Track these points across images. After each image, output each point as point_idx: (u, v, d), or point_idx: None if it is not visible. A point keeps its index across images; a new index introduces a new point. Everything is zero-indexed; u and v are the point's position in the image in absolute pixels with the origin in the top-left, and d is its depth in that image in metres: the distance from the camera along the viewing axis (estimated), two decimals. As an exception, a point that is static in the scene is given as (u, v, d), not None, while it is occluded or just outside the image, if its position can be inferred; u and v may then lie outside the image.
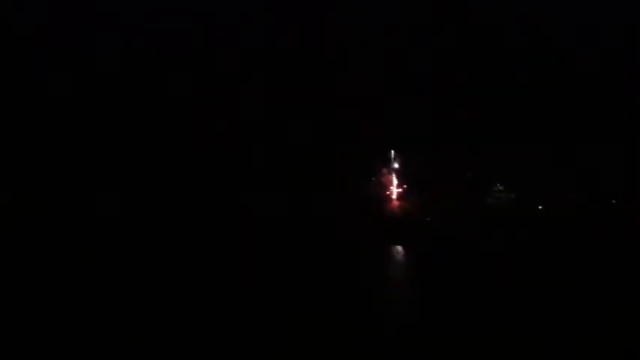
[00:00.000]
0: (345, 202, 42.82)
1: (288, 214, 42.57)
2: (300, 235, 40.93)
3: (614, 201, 40.91)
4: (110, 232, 41.96)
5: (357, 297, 33.15)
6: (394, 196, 45.00)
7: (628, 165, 41.72)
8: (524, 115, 45.01)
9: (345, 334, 28.83)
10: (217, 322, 30.52)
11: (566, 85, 45.94)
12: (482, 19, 48.09)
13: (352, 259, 38.17)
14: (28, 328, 30.33)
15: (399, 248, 41.52)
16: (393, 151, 45.49)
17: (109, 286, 35.27)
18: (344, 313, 30.89)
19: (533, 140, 43.83)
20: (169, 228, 42.72)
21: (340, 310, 31.20)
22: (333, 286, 34.19)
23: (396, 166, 45.38)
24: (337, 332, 28.95)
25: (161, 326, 30.44)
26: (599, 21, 46.82)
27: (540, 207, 41.89)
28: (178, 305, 32.46)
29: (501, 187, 43.60)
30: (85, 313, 31.94)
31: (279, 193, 43.72)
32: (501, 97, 45.82)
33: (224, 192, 45.09)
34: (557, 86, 45.96)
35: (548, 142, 44.01)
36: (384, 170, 45.02)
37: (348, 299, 32.67)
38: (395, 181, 45.14)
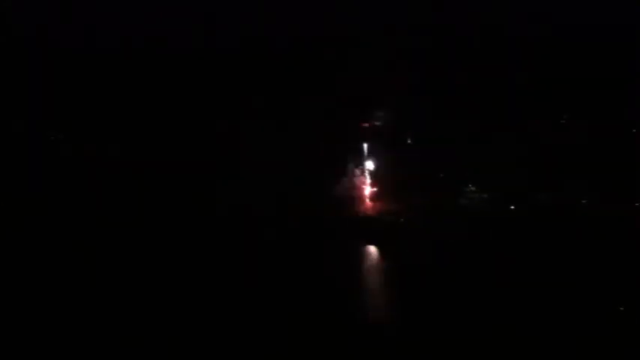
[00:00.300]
0: (319, 201, 42.92)
1: (272, 213, 42.65)
2: (274, 234, 40.88)
3: (584, 201, 41.48)
4: (109, 231, 41.96)
5: (332, 296, 33.35)
6: (367, 197, 45.05)
7: (599, 165, 42.51)
8: (496, 117, 45.90)
9: (319, 333, 29.44)
10: (207, 318, 30.94)
11: (538, 87, 46.88)
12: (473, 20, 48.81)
13: (326, 259, 38.17)
14: (29, 327, 30.41)
15: (373, 248, 41.49)
16: (366, 152, 45.53)
17: (108, 286, 35.30)
18: (318, 312, 31.30)
19: (504, 141, 44.69)
20: (167, 227, 42.74)
21: (314, 310, 31.58)
22: (307, 285, 34.35)
23: (370, 166, 45.42)
24: (312, 331, 29.57)
25: (157, 324, 30.67)
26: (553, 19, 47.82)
27: (512, 207, 42.41)
28: (167, 302, 32.82)
29: (474, 188, 43.94)
30: (85, 313, 32.02)
31: (269, 192, 43.69)
32: (475, 100, 46.73)
33: (218, 190, 45.13)
34: (530, 88, 46.93)
35: (518, 142, 44.91)
36: (357, 171, 45.07)
37: (321, 298, 32.91)
38: (368, 182, 45.21)
